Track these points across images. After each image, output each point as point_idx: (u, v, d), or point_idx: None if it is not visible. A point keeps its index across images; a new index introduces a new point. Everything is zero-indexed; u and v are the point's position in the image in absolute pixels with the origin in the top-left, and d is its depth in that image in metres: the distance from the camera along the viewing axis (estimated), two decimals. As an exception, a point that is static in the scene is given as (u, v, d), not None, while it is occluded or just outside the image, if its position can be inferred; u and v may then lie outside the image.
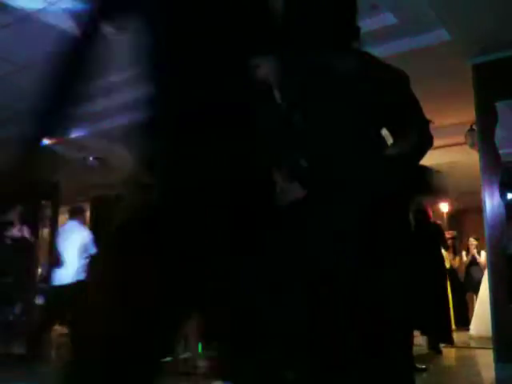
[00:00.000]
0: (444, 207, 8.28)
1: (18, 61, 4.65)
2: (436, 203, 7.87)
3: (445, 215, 8.13)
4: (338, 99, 1.37)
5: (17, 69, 4.77)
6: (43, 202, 7.96)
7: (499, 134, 4.01)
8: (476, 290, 7.67)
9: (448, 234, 6.06)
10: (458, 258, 8.25)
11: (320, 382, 1.33)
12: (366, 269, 1.26)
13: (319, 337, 1.32)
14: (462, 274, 8.50)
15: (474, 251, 8.23)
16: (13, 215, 5.71)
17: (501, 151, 4.00)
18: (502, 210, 3.97)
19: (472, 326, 6.61)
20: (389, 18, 3.87)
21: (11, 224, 5.66)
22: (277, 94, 1.34)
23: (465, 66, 4.16)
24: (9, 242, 5.61)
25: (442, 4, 3.43)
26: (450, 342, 5.19)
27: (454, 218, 10.47)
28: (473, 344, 6.04)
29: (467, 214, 10.66)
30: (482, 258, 7.81)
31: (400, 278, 1.29)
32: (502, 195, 3.99)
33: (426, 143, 1.42)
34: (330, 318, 1.30)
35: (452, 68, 4.27)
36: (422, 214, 4.94)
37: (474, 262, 8.24)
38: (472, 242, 8.44)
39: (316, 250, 1.31)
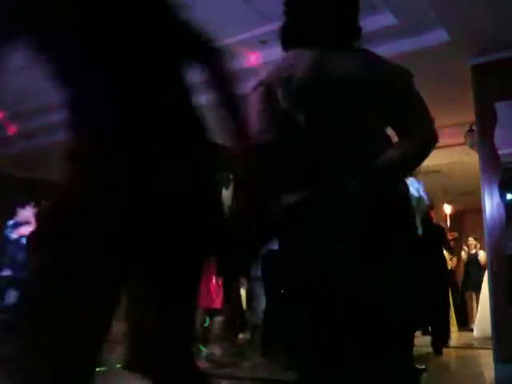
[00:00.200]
0: (447, 209, 8.27)
1: (16, 62, 4.65)
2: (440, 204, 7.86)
3: (448, 217, 8.12)
4: (341, 98, 1.37)
5: (15, 70, 4.77)
6: (43, 203, 7.96)
7: (499, 134, 4.01)
8: (475, 288, 7.68)
9: (450, 236, 6.07)
10: (455, 259, 8.27)
11: (320, 381, 1.33)
12: (366, 269, 1.26)
13: (319, 337, 1.33)
14: (460, 274, 8.51)
15: (477, 246, 8.24)
16: (28, 214, 5.73)
17: (500, 152, 4.00)
18: (502, 210, 3.97)
19: (475, 327, 6.59)
20: (389, 19, 3.87)
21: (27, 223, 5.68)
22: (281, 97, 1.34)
23: (464, 67, 4.16)
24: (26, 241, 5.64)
25: (442, 4, 3.43)
26: (445, 342, 5.21)
27: (454, 218, 10.47)
28: (476, 344, 6.03)
29: (467, 214, 10.67)
30: (482, 256, 7.84)
31: (400, 278, 1.29)
32: (502, 196, 3.99)
33: (430, 142, 1.42)
34: (330, 317, 1.30)
35: (451, 68, 4.27)
36: (425, 216, 4.94)
37: (473, 260, 8.25)
38: (471, 241, 8.47)
39: (316, 250, 1.31)
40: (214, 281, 4.61)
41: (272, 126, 1.34)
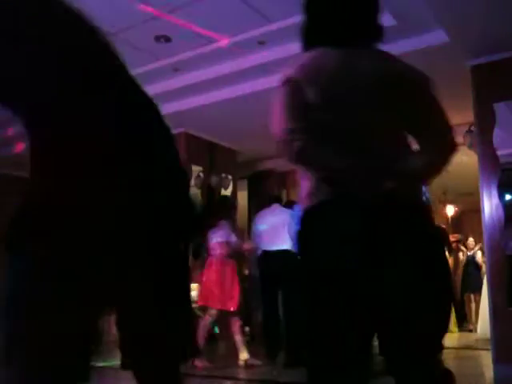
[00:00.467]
0: (450, 211, 8.25)
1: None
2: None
3: (449, 219, 8.09)
4: (367, 98, 1.36)
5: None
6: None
7: (498, 135, 4.02)
8: (474, 289, 7.68)
9: (453, 238, 6.06)
10: (451, 258, 8.26)
11: (320, 381, 1.33)
12: (367, 269, 1.26)
13: (320, 337, 1.33)
14: (458, 275, 8.50)
15: (476, 247, 8.25)
16: None
17: (499, 152, 4.01)
18: (501, 211, 3.98)
19: (478, 328, 6.58)
20: (388, 20, 3.88)
21: None
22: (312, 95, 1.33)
23: (463, 68, 4.17)
24: None
25: (441, 5, 3.44)
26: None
27: (454, 218, 10.48)
28: (476, 345, 6.02)
29: (466, 214, 10.68)
30: (479, 257, 7.85)
31: (401, 279, 1.28)
32: (501, 196, 4.00)
33: (450, 156, 1.39)
34: (330, 317, 1.30)
35: (450, 69, 4.28)
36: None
37: (471, 261, 8.25)
38: (470, 241, 8.48)
39: (317, 250, 1.31)
40: (230, 283, 4.63)
41: (300, 125, 1.33)
